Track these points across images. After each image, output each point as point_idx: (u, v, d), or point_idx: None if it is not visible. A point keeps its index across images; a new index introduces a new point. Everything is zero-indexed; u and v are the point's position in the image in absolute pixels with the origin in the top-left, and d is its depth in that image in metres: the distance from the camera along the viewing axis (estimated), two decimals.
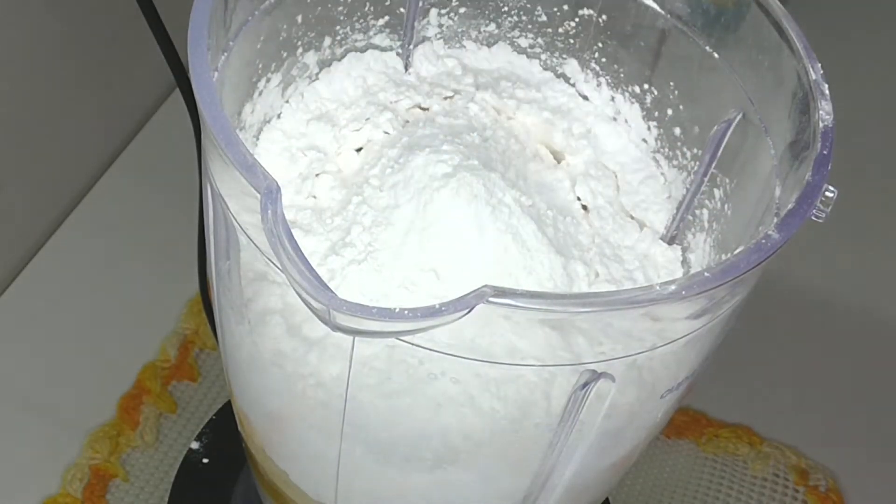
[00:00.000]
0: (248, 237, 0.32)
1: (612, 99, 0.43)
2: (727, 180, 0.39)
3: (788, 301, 0.65)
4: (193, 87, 0.31)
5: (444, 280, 0.35)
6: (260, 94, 0.39)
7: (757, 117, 0.37)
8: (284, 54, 0.40)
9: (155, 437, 0.57)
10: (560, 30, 0.43)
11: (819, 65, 0.34)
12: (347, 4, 0.41)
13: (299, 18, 0.39)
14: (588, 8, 0.42)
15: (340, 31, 0.41)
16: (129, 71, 0.67)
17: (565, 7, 0.42)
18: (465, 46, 0.44)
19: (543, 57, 0.44)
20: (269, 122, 0.41)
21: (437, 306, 0.28)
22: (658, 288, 0.29)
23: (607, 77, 0.43)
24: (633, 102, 0.43)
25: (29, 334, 0.60)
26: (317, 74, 0.42)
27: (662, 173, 0.42)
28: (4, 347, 0.59)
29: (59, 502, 0.54)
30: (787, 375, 0.63)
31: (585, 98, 0.44)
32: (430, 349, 0.31)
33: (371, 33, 0.42)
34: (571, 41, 0.43)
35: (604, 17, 0.42)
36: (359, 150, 0.40)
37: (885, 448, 0.61)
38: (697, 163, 0.40)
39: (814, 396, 0.62)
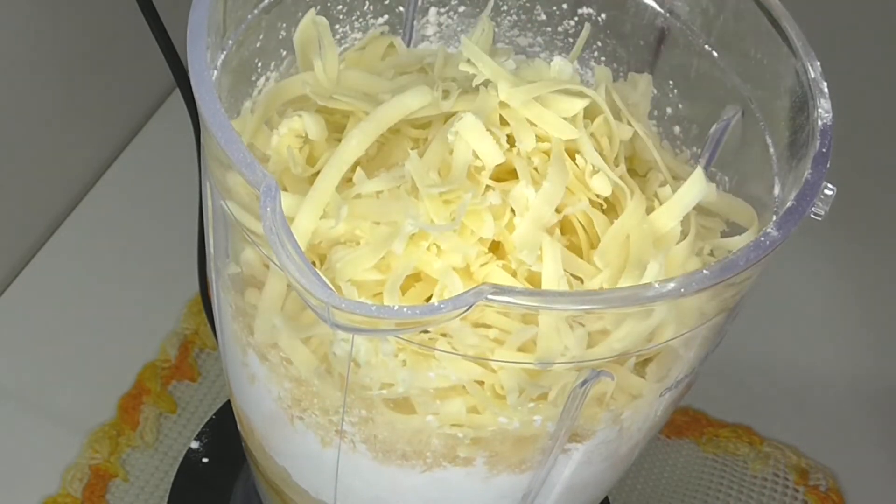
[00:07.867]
0: (248, 235, 0.32)
1: None
2: (726, 179, 0.39)
3: (788, 301, 0.65)
4: (192, 85, 0.31)
5: None
6: (259, 92, 0.39)
7: (756, 115, 0.37)
8: (283, 53, 0.40)
9: (155, 437, 0.57)
10: (559, 29, 0.43)
11: (818, 63, 0.34)
12: (347, 3, 0.41)
13: (299, 16, 0.39)
14: (587, 7, 0.42)
15: (340, 30, 0.41)
16: (129, 71, 0.67)
17: (564, 6, 0.42)
18: None
19: (542, 56, 0.44)
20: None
21: (437, 304, 0.28)
22: (657, 286, 0.29)
23: None
24: None
25: (29, 334, 0.60)
26: None
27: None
28: (4, 347, 0.59)
29: (59, 502, 0.54)
30: (787, 375, 0.63)
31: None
32: (429, 346, 0.31)
33: (371, 32, 0.42)
34: (570, 40, 0.43)
35: (603, 15, 0.42)
36: None
37: (885, 448, 0.60)
38: (697, 161, 0.40)
39: (814, 396, 0.62)
